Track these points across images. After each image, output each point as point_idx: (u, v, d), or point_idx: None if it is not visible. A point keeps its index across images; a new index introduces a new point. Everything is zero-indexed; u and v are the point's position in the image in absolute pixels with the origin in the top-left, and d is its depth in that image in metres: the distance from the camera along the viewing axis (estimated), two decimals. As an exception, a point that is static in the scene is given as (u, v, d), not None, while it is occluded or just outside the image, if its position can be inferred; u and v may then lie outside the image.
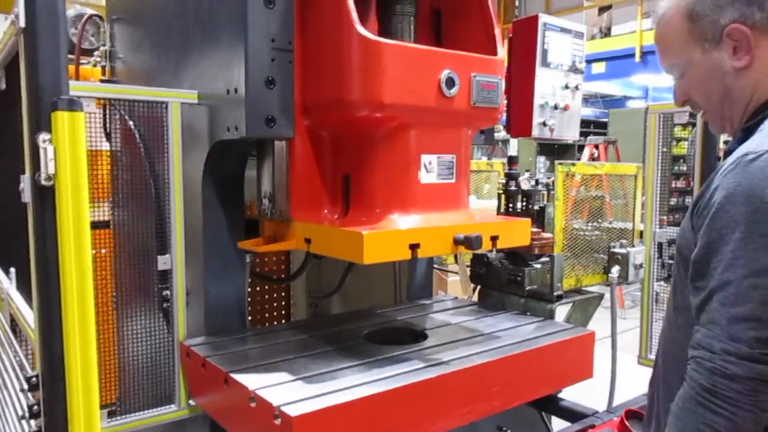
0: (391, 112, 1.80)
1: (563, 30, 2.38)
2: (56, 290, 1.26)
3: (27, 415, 1.61)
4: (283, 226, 2.03)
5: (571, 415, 2.19)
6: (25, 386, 1.57)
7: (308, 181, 1.97)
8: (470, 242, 1.80)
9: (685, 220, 1.36)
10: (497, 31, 2.05)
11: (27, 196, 1.40)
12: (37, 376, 1.46)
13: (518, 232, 2.07)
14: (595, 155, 9.26)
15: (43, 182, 1.27)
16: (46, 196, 1.30)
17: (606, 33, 12.14)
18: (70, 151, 1.25)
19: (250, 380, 1.77)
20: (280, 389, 1.71)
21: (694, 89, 1.38)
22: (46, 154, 1.25)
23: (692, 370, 1.20)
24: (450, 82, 1.84)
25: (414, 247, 1.76)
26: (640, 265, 2.68)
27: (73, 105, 1.26)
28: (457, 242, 1.83)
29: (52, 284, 1.27)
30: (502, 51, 2.03)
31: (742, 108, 1.34)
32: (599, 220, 2.91)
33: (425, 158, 1.89)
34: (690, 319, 1.31)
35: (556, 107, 2.38)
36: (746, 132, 1.32)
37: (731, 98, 1.33)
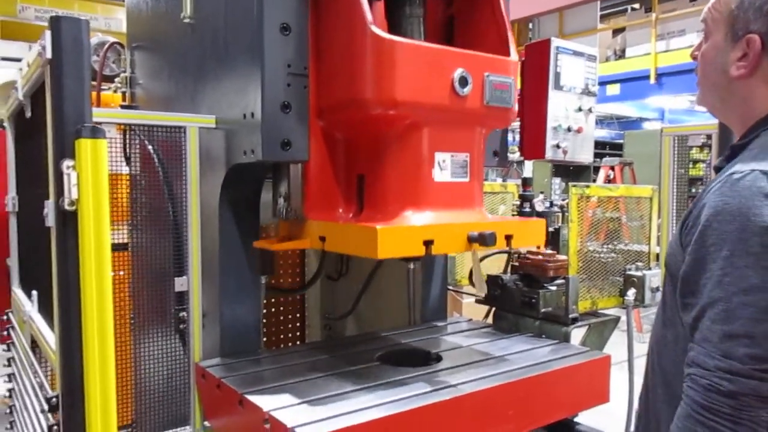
0: (404, 110, 1.82)
1: (576, 53, 2.40)
2: (77, 312, 1.29)
3: (46, 435, 1.63)
4: (298, 225, 2.05)
5: (588, 439, 2.16)
6: (45, 407, 1.59)
7: (323, 181, 2.00)
8: (484, 239, 1.80)
9: (674, 236, 1.40)
10: (510, 34, 2.07)
11: (50, 221, 1.45)
12: (56, 397, 1.48)
13: (533, 232, 2.07)
14: (611, 177, 9.22)
15: (66, 207, 1.31)
16: (68, 220, 1.34)
17: (620, 55, 12.16)
18: (93, 177, 1.29)
19: (265, 402, 1.77)
20: (294, 410, 1.72)
21: (702, 57, 1.42)
22: (69, 179, 1.29)
23: (688, 388, 1.21)
24: (463, 81, 1.86)
25: (428, 243, 1.76)
26: (657, 288, 2.65)
27: (96, 132, 1.30)
28: (471, 240, 1.82)
29: (73, 306, 1.30)
30: (515, 53, 2.06)
31: (726, 112, 1.41)
32: (615, 242, 2.89)
33: (439, 156, 1.90)
34: (677, 335, 1.34)
35: (569, 129, 2.39)
36: (734, 150, 1.35)
37: (720, 96, 1.40)
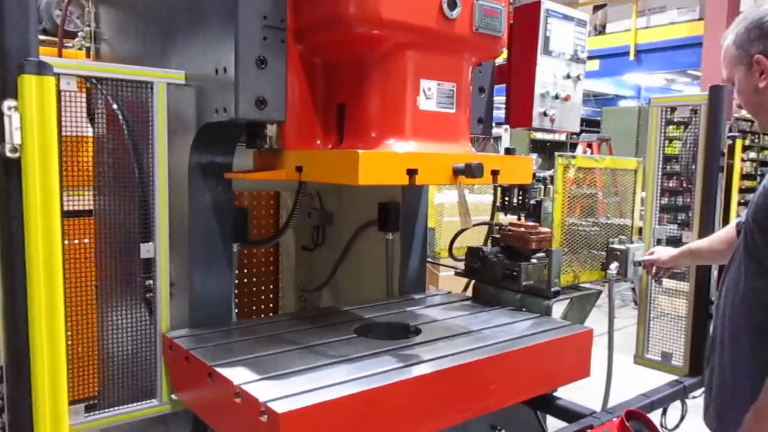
0: (389, 29, 1.73)
1: (566, 17, 2.31)
2: (22, 274, 1.16)
3: (-8, 410, 1.51)
4: (275, 156, 1.96)
5: (568, 414, 2.13)
6: (-11, 379, 1.47)
7: (301, 109, 1.91)
8: (471, 170, 1.72)
9: (760, 196, 1.61)
10: None
11: (-11, 170, 1.29)
12: (0, 368, 1.35)
13: (520, 169, 2.00)
14: (588, 153, 9.24)
15: (8, 154, 1.16)
16: (11, 169, 1.19)
17: (600, 30, 12.12)
18: (38, 119, 1.14)
19: (236, 374, 1.69)
20: (267, 384, 1.63)
21: (738, 98, 1.77)
22: (11, 122, 1.14)
23: None
24: (452, 3, 1.77)
25: (412, 173, 1.68)
26: (639, 263, 2.61)
27: (43, 68, 1.15)
28: (457, 172, 1.75)
29: (18, 267, 1.16)
30: None
31: None
32: (596, 216, 2.84)
33: (424, 83, 1.83)
34: None
35: (557, 97, 2.31)
36: None
37: (764, 107, 1.70)
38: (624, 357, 2.88)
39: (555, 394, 2.28)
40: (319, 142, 1.94)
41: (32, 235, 1.16)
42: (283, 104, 1.85)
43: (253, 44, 1.76)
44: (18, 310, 1.17)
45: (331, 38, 1.81)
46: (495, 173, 1.87)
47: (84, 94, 1.98)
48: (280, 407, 1.48)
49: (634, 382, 2.68)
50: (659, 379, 2.55)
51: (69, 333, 1.94)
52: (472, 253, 2.63)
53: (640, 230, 2.76)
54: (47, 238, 1.17)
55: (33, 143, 1.16)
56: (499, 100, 2.43)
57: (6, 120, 1.15)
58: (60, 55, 2.92)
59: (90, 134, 2.05)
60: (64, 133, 1.88)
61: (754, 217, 1.62)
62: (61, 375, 1.21)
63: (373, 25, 1.71)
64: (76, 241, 2.00)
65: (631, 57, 10.65)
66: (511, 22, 2.30)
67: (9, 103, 1.15)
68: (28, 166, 1.15)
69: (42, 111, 1.15)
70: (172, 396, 2.01)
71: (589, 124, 13.00)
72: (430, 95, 1.83)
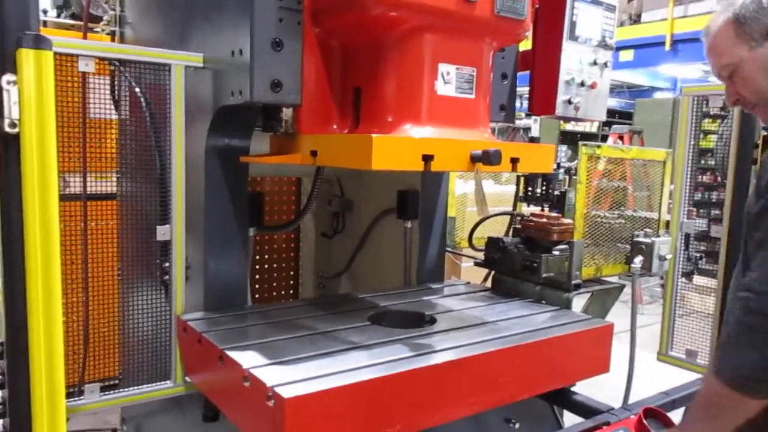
0: (406, 11, 1.68)
1: (594, 2, 2.23)
2: (20, 249, 1.15)
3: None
4: (290, 140, 1.94)
5: (585, 410, 2.07)
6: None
7: (317, 92, 1.88)
8: (489, 157, 1.67)
9: (753, 189, 1.58)
10: None
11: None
12: (1, 344, 1.36)
13: (541, 157, 1.93)
14: (619, 146, 9.04)
15: (7, 129, 1.15)
16: (9, 144, 1.19)
17: (635, 20, 11.80)
18: (37, 93, 1.13)
19: (246, 358, 1.68)
20: (277, 369, 1.62)
21: (744, 86, 1.53)
22: (9, 97, 1.13)
23: (736, 309, 1.40)
24: None
25: (427, 158, 1.64)
26: (664, 257, 2.53)
27: (41, 42, 1.14)
28: (474, 159, 1.69)
29: (16, 241, 1.15)
30: None
31: None
32: (621, 209, 2.77)
33: (443, 68, 1.77)
34: None
35: (582, 84, 2.23)
36: None
37: None
38: (649, 354, 2.81)
39: (573, 389, 2.23)
40: (334, 126, 1.91)
41: (29, 208, 1.15)
42: (298, 87, 1.82)
43: (269, 26, 1.74)
44: (16, 286, 1.17)
45: (348, 20, 1.77)
46: (514, 161, 1.81)
47: (108, 78, 1.99)
48: (287, 392, 1.46)
49: (659, 380, 2.61)
50: (685, 378, 2.47)
51: (92, 312, 1.97)
52: (492, 243, 2.58)
53: (668, 224, 2.67)
54: (44, 210, 1.16)
55: (31, 119, 1.15)
56: (524, 90, 2.36)
57: (5, 95, 1.14)
58: (84, 38, 2.94)
59: (113, 118, 2.07)
60: (89, 117, 1.90)
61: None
62: (58, 352, 1.20)
63: (391, 6, 1.66)
64: (102, 223, 2.02)
65: (667, 47, 10.32)
66: (536, 5, 2.23)
67: (8, 77, 1.15)
68: (25, 141, 1.15)
69: (40, 85, 1.14)
70: (187, 378, 2.02)
71: (622, 116, 12.71)
72: (449, 80, 1.78)
